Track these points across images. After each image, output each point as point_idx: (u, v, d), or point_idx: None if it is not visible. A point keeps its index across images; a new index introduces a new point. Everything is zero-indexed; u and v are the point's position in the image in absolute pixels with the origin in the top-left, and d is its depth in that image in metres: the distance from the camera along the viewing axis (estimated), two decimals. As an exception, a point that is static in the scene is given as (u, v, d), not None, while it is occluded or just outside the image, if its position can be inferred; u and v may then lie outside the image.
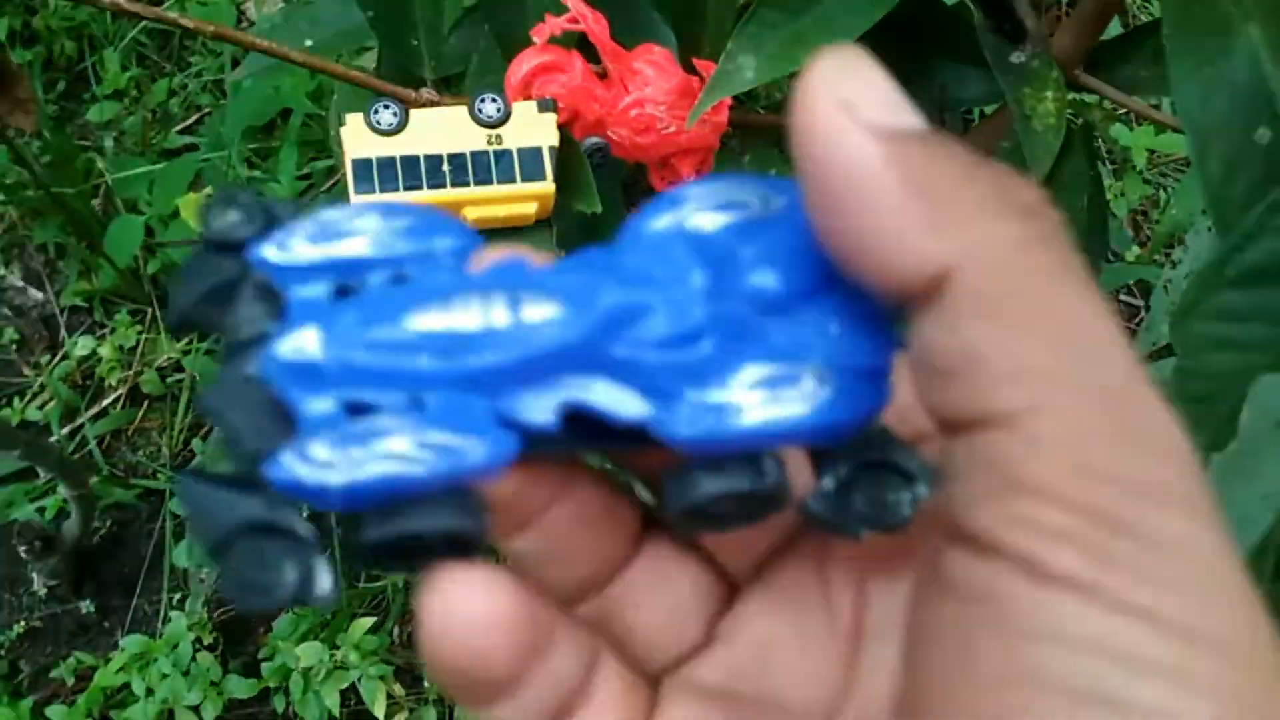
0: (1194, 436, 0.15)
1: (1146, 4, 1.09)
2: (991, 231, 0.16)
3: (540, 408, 0.18)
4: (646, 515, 0.21)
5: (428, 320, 0.18)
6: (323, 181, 0.89)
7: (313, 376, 0.18)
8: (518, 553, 0.20)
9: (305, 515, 0.18)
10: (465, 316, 0.18)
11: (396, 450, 0.17)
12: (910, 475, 0.18)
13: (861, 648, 0.20)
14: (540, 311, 0.18)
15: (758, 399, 0.18)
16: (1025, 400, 0.15)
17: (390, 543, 0.18)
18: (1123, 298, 1.03)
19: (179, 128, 1.08)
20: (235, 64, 1.07)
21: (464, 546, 0.18)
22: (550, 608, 0.19)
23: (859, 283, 0.17)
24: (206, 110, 1.09)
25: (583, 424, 0.18)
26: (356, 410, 0.18)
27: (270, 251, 0.18)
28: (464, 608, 0.18)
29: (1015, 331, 0.16)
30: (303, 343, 0.18)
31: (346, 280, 0.18)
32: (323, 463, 0.17)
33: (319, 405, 0.18)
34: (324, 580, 0.17)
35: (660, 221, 0.19)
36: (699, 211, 0.19)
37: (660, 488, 0.21)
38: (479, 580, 0.18)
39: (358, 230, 0.18)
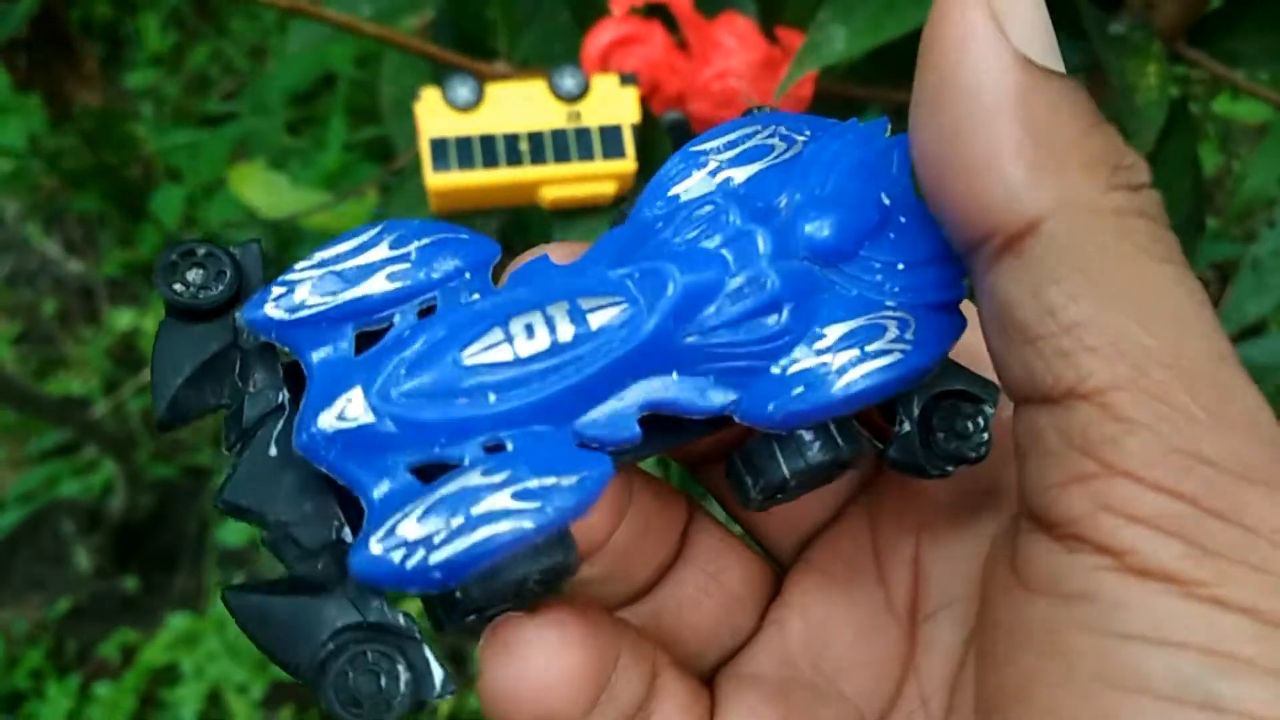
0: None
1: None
2: (1092, 194, 0.15)
3: (622, 421, 0.16)
4: (690, 504, 0.21)
5: (485, 352, 0.16)
6: (367, 153, 0.87)
7: (369, 444, 0.15)
8: (583, 579, 0.19)
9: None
10: (527, 341, 0.16)
11: (496, 507, 0.15)
12: (975, 398, 0.18)
13: (919, 625, 0.19)
14: (607, 314, 0.16)
15: (847, 359, 0.16)
16: (1114, 375, 0.14)
17: (493, 597, 0.16)
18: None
19: (219, 94, 1.07)
20: (279, 27, 1.05)
21: (556, 579, 0.17)
22: (612, 631, 0.18)
23: (919, 214, 0.16)
24: (247, 75, 1.07)
25: (658, 424, 0.17)
26: (428, 471, 0.16)
27: (273, 310, 0.16)
28: (534, 668, 0.17)
29: (1104, 300, 0.14)
30: (347, 408, 0.16)
31: (366, 324, 0.16)
32: (417, 541, 0.15)
33: (386, 476, 0.16)
34: (438, 674, 0.16)
35: (689, 184, 0.17)
36: (726, 166, 0.17)
37: (699, 470, 0.20)
38: (545, 635, 0.17)
39: (368, 266, 0.16)
